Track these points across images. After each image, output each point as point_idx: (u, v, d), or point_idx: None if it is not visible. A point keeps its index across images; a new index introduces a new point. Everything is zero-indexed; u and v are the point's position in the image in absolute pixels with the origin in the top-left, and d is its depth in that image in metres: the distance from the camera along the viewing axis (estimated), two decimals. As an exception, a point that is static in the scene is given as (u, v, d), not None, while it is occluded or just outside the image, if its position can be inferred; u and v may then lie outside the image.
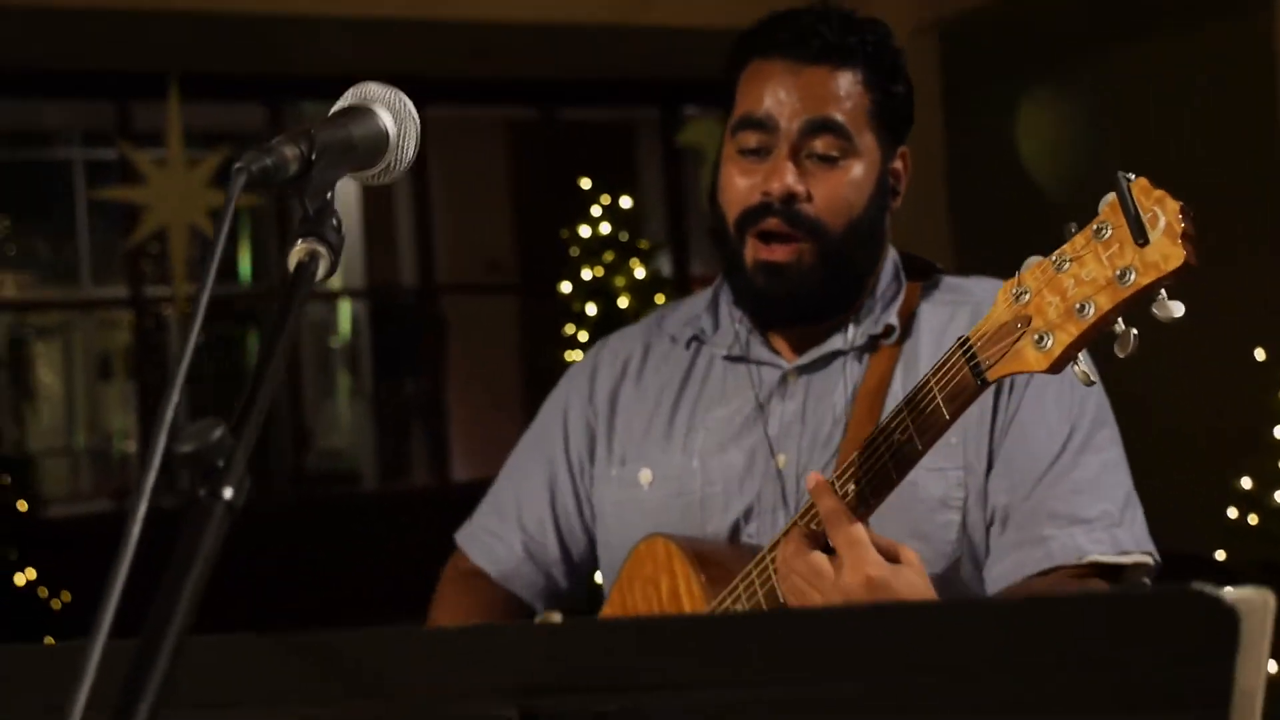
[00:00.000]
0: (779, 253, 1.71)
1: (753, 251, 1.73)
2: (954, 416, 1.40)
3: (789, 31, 1.74)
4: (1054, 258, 1.30)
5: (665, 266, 10.50)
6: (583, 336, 6.85)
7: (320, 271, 1.03)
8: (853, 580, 1.42)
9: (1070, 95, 9.50)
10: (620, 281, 6.90)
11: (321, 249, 1.03)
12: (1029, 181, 9.45)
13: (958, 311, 1.79)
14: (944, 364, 1.41)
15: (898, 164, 1.81)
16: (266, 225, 9.36)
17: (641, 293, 6.91)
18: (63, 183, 11.81)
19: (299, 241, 1.03)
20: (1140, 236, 1.22)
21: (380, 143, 1.12)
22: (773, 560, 1.54)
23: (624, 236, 6.98)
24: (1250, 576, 5.28)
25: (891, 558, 1.45)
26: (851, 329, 1.79)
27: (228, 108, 9.81)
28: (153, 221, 8.11)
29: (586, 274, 7.02)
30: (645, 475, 1.83)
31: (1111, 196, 1.25)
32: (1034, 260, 1.33)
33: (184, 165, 8.18)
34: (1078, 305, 1.27)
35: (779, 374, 1.80)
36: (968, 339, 1.38)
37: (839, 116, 1.71)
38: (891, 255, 1.85)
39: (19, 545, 5.09)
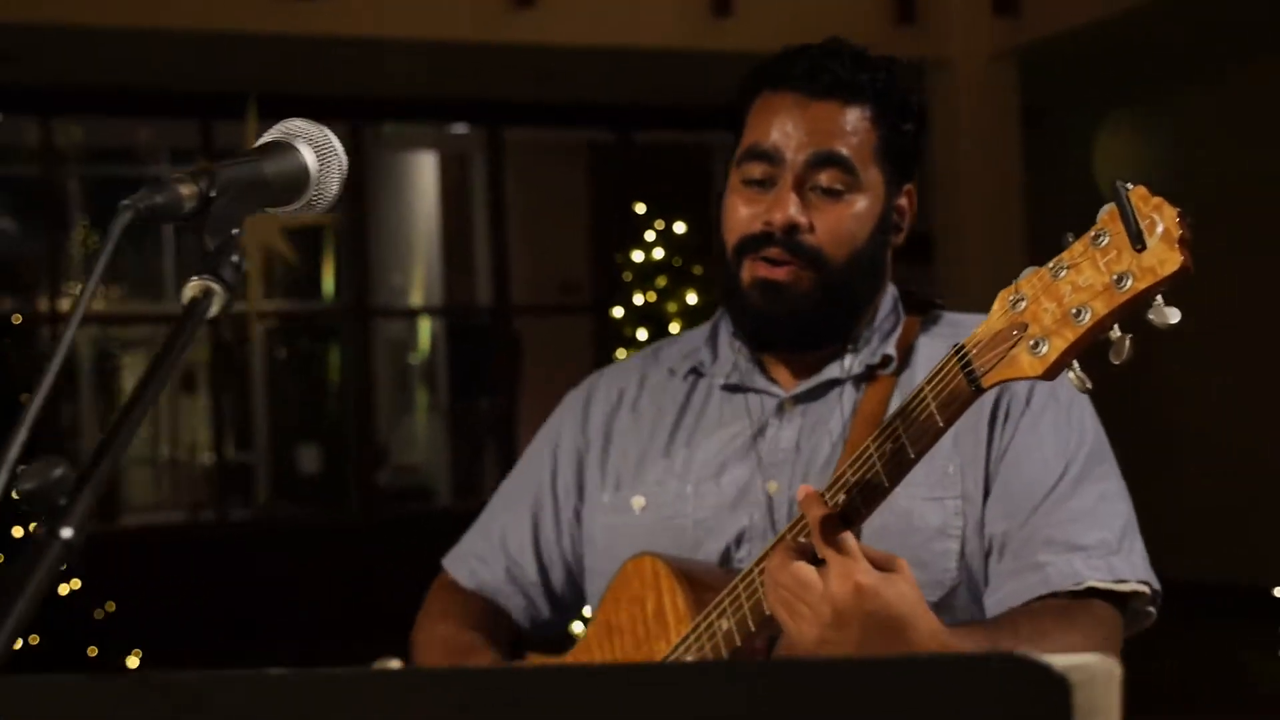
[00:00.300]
0: (778, 272, 1.71)
1: (750, 271, 1.72)
2: (948, 423, 1.38)
3: (800, 66, 1.74)
4: (1051, 265, 1.28)
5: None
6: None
7: (213, 309, 1.02)
8: (841, 589, 1.39)
9: (1148, 122, 9.35)
10: (672, 307, 6.85)
11: (216, 286, 1.02)
12: (1100, 198, 9.30)
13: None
14: (939, 371, 1.39)
15: (903, 201, 1.80)
16: (349, 242, 9.40)
17: (694, 318, 6.87)
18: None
19: (194, 278, 1.02)
20: (1138, 242, 1.20)
21: (300, 178, 1.12)
22: (760, 573, 1.51)
23: (677, 261, 6.92)
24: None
25: (882, 567, 1.42)
26: (849, 358, 1.77)
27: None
28: (230, 240, 8.14)
29: (639, 299, 6.98)
30: (638, 501, 1.83)
31: (1110, 205, 1.23)
32: (1032, 270, 1.31)
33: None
34: (1074, 310, 1.25)
35: (776, 402, 1.79)
36: (963, 346, 1.36)
37: (845, 151, 1.71)
38: (891, 289, 1.84)
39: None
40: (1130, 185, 1.23)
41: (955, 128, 8.65)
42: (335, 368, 11.83)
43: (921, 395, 1.39)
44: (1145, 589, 1.64)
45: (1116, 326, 1.25)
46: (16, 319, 5.14)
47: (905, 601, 1.40)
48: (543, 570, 1.95)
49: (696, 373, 1.88)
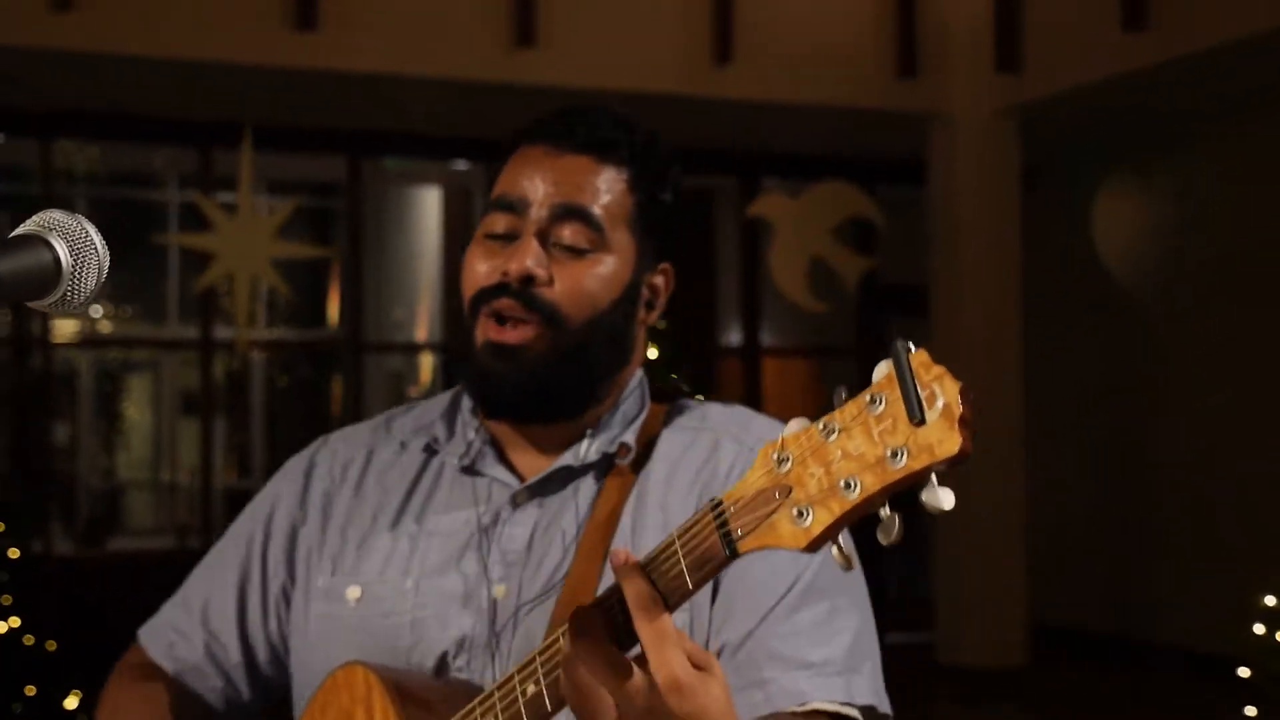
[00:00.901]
0: (510, 334, 1.56)
1: (483, 331, 1.58)
2: (697, 586, 1.21)
3: (556, 121, 1.62)
4: (821, 424, 1.14)
5: (735, 335, 10.31)
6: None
7: None
8: (661, 679, 1.20)
9: (1148, 180, 9.22)
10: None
11: None
12: (1102, 269, 9.18)
13: (697, 439, 1.64)
14: (692, 525, 1.21)
15: (658, 279, 1.67)
16: (353, 273, 9.28)
17: (652, 375, 6.69)
18: (159, 223, 11.87)
19: None
20: (916, 415, 1.08)
21: (47, 275, 1.05)
22: (546, 658, 1.31)
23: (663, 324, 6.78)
24: (1273, 694, 5.00)
25: (698, 664, 1.23)
26: (585, 443, 1.62)
27: (311, 159, 9.79)
28: (220, 268, 8.07)
29: None
30: (353, 592, 1.64)
31: (887, 367, 1.11)
32: (799, 424, 1.17)
33: (252, 215, 8.15)
34: (843, 482, 1.12)
35: (508, 493, 1.63)
36: (720, 502, 1.19)
37: (591, 206, 1.58)
38: (639, 376, 1.70)
39: (12, 591, 4.92)
40: (911, 347, 1.10)
41: (954, 183, 8.54)
42: (337, 398, 11.70)
43: (672, 549, 1.22)
44: (876, 711, 1.49)
45: (887, 504, 1.12)
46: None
47: (719, 708, 1.23)
48: (247, 650, 1.74)
49: (430, 450, 1.70)
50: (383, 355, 11.85)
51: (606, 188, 1.59)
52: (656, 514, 1.56)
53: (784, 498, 1.15)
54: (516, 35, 7.54)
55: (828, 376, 11.42)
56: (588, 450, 1.62)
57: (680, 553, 1.22)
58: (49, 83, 7.75)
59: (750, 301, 10.01)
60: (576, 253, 1.57)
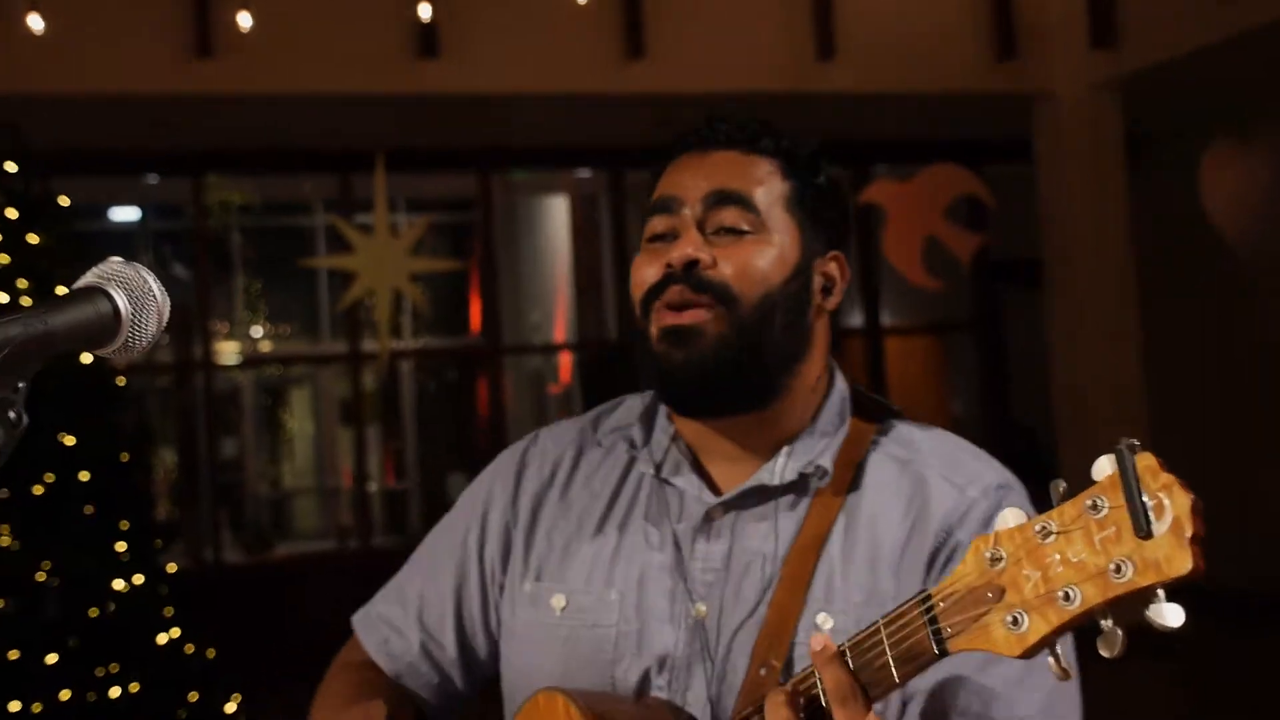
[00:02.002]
0: (683, 316, 1.50)
1: (656, 322, 1.52)
2: (903, 681, 1.16)
3: (700, 129, 1.60)
4: (1038, 525, 1.07)
5: (857, 318, 10.26)
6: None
7: None
8: None
9: (1255, 149, 8.98)
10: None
11: None
12: (1213, 234, 8.96)
13: (904, 473, 1.54)
14: (900, 616, 1.17)
15: (831, 266, 1.59)
16: (489, 281, 9.40)
17: None
18: (309, 247, 12.12)
19: None
20: (1142, 529, 1.00)
21: (108, 323, 1.06)
22: None
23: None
24: None
25: None
26: (781, 460, 1.54)
27: (443, 177, 9.94)
28: (361, 286, 8.23)
29: None
30: (559, 600, 1.60)
31: (1110, 466, 1.03)
32: (1011, 515, 1.10)
33: (388, 234, 8.29)
34: (1062, 592, 1.04)
35: (704, 508, 1.56)
36: (929, 596, 1.14)
37: (744, 189, 1.54)
38: (840, 388, 1.61)
39: (174, 602, 5.04)
40: (1136, 444, 1.03)
41: (1060, 158, 8.41)
42: (482, 399, 11.85)
43: (877, 638, 1.18)
44: None
45: (1109, 616, 1.05)
46: (120, 380, 5.13)
47: None
48: (463, 648, 1.70)
49: (630, 451, 1.64)
50: (522, 357, 11.98)
51: (757, 176, 1.55)
52: (866, 547, 1.48)
53: (997, 599, 1.09)
54: (627, 48, 7.58)
55: (948, 351, 11.31)
56: (784, 469, 1.54)
57: (886, 643, 1.17)
58: (196, 124, 7.96)
59: (869, 284, 9.95)
60: (737, 234, 1.53)
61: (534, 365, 12.54)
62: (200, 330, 8.77)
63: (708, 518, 1.55)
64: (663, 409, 1.63)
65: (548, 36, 7.51)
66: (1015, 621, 1.07)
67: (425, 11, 7.12)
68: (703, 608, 1.51)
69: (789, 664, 1.42)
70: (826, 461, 1.53)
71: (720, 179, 1.54)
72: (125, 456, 5.01)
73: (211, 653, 5.07)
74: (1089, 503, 1.04)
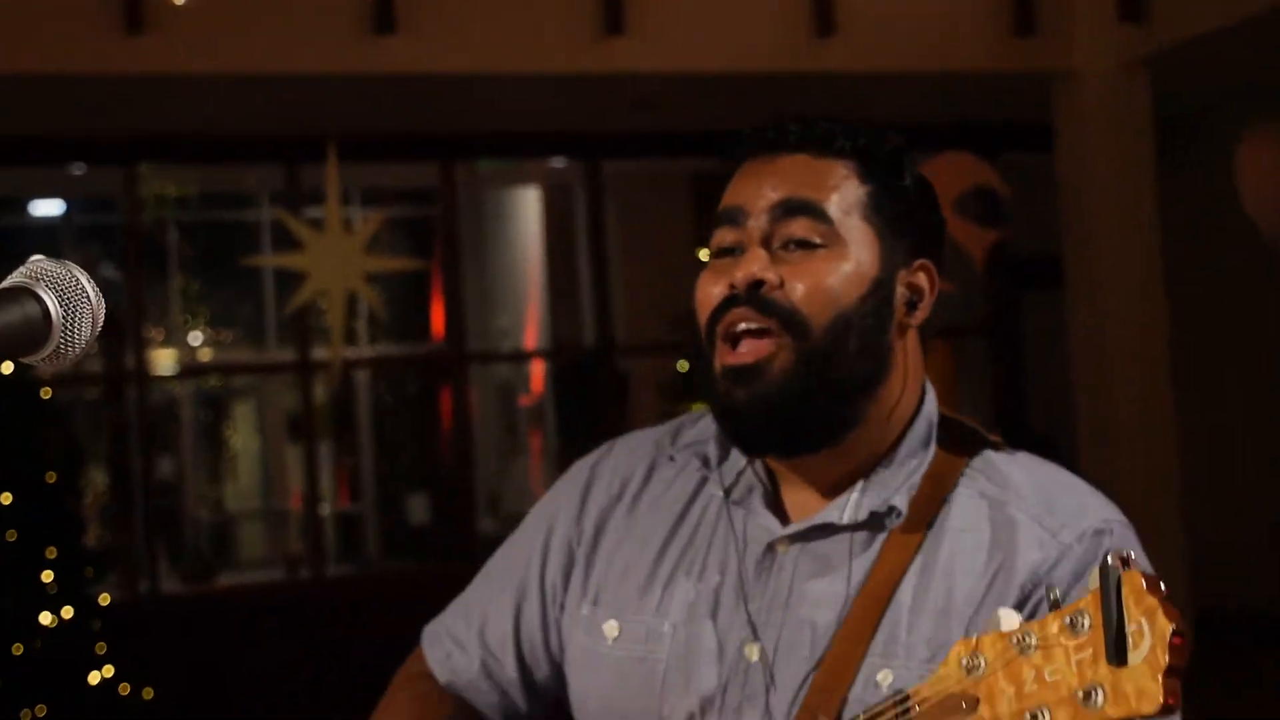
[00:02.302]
0: (746, 353, 1.50)
1: (720, 358, 1.53)
2: None
3: (766, 132, 1.59)
4: (1019, 634, 1.13)
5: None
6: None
7: None
8: None
9: (1295, 130, 9.00)
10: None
11: None
12: (1250, 227, 8.98)
13: (992, 514, 1.53)
14: (877, 714, 1.24)
15: (919, 276, 1.59)
16: (454, 282, 9.38)
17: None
18: (252, 244, 12.09)
19: None
20: (1116, 655, 1.05)
21: (37, 328, 1.04)
22: None
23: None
24: None
25: None
26: (855, 496, 1.54)
27: (402, 167, 9.91)
28: (311, 287, 8.20)
29: None
30: (611, 627, 1.63)
31: (1095, 582, 1.08)
32: (1007, 619, 1.16)
33: (341, 230, 8.26)
34: (1030, 714, 1.10)
35: (769, 539, 1.57)
36: (907, 696, 1.21)
37: (815, 197, 1.53)
38: (928, 412, 1.60)
39: (108, 637, 5.01)
40: (1126, 563, 1.07)
41: (1083, 144, 8.42)
42: (446, 412, 11.83)
43: None
44: None
45: None
46: (46, 393, 5.10)
47: None
48: (523, 668, 1.75)
49: (702, 470, 1.66)
50: (490, 365, 11.97)
51: (831, 181, 1.55)
52: (939, 597, 1.48)
53: (970, 710, 1.14)
54: (605, 23, 7.55)
55: (960, 357, 11.32)
56: (855, 507, 1.54)
57: None
58: (126, 108, 7.92)
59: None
60: (808, 248, 1.52)
61: (503, 375, 12.53)
62: (133, 337, 8.72)
63: (771, 550, 1.57)
64: None
65: (517, 11, 7.49)
66: None
67: (381, -18, 7.11)
68: (755, 650, 1.53)
69: None
70: (901, 501, 1.53)
71: (788, 187, 1.54)
72: (52, 477, 4.99)
73: (149, 693, 5.05)
74: (1069, 620, 1.09)
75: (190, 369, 12.24)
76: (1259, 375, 9.43)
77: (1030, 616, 1.39)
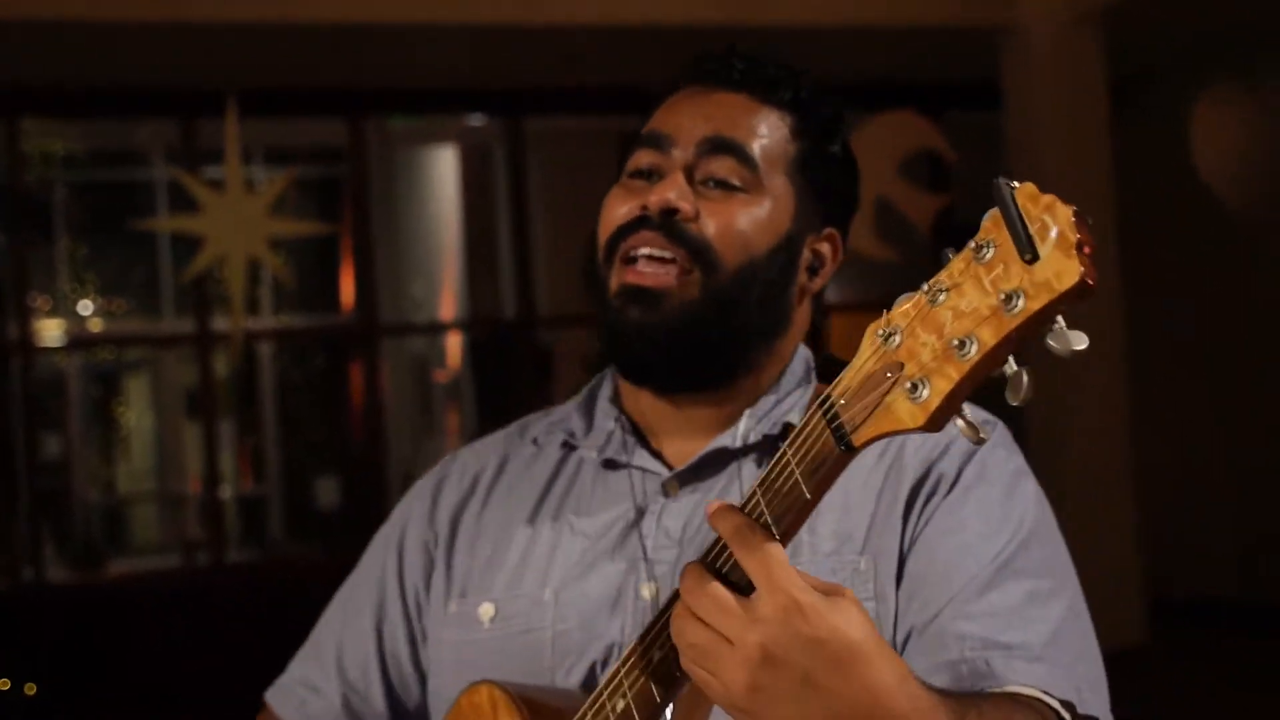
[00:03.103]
0: (650, 276, 1.55)
1: (619, 276, 1.57)
2: (816, 495, 1.20)
3: (712, 60, 1.66)
4: (927, 288, 1.14)
5: (832, 291, 10.26)
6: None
7: None
8: (772, 607, 1.16)
9: (1255, 91, 9.09)
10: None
11: None
12: (1207, 192, 9.07)
13: None
14: (802, 429, 1.21)
15: (824, 245, 1.65)
16: (364, 248, 9.31)
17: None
18: (146, 207, 11.94)
19: None
20: (1027, 251, 1.07)
21: None
22: (663, 627, 1.29)
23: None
24: None
25: (822, 589, 1.20)
26: (744, 423, 1.60)
27: (309, 123, 9.81)
28: (210, 252, 8.11)
29: None
30: (486, 610, 1.63)
31: (994, 211, 1.10)
32: (906, 296, 1.17)
33: (242, 191, 8.17)
34: (956, 342, 1.11)
35: (657, 482, 1.61)
36: (828, 396, 1.20)
37: (746, 141, 1.59)
38: (804, 352, 1.69)
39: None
40: (1016, 184, 1.09)
41: (1032, 103, 8.46)
42: (357, 388, 11.76)
43: (784, 460, 1.22)
44: (1069, 709, 1.42)
45: (1012, 359, 1.12)
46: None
47: (857, 627, 1.18)
48: (391, 697, 1.73)
49: (568, 446, 1.70)
50: (403, 338, 11.89)
51: (765, 128, 1.60)
52: (837, 496, 1.52)
53: (896, 375, 1.14)
54: (527, -31, 7.52)
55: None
56: (747, 431, 1.60)
57: (793, 463, 1.21)
58: (6, 57, 7.79)
59: (813, 253, 9.97)
60: (728, 188, 1.57)
61: (417, 348, 12.46)
62: (16, 306, 8.60)
63: (663, 492, 1.60)
64: (604, 395, 1.70)
65: (433, -45, 7.44)
66: (915, 389, 1.13)
67: (286, -76, 7.02)
68: (651, 587, 1.55)
69: None
70: (795, 418, 1.58)
71: (721, 124, 1.59)
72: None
73: (31, 688, 4.99)
74: (975, 248, 1.11)
75: (79, 340, 12.08)
76: (1217, 346, 9.53)
77: (930, 497, 1.53)
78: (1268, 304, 9.13)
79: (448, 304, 12.26)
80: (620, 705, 1.33)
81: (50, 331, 11.42)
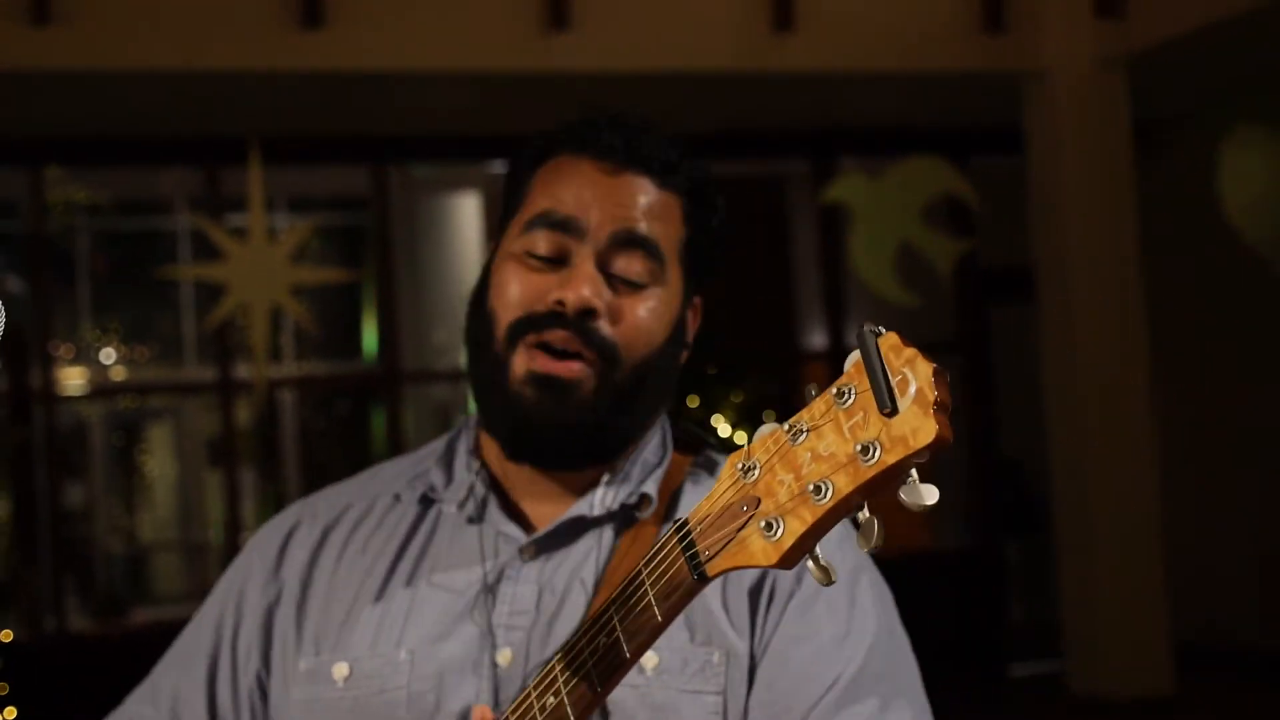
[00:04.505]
0: (562, 367, 1.57)
1: (526, 361, 1.58)
2: (667, 619, 1.25)
3: (608, 132, 1.63)
4: (789, 426, 1.17)
5: (819, 338, 10.24)
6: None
7: None
8: None
9: (1278, 133, 9.07)
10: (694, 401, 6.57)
11: None
12: (1228, 230, 9.03)
13: None
14: (658, 553, 1.25)
15: (690, 313, 1.71)
16: (387, 295, 9.32)
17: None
18: (169, 254, 11.97)
19: None
20: (887, 405, 1.10)
21: None
22: (566, 664, 1.36)
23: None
24: None
25: None
26: (601, 491, 1.63)
27: (332, 171, 9.85)
28: (232, 300, 8.12)
29: None
30: (340, 670, 1.62)
31: (856, 356, 1.13)
32: (768, 429, 1.20)
33: (265, 239, 8.19)
34: (812, 486, 1.14)
35: (514, 546, 1.63)
36: (685, 523, 1.23)
37: (655, 236, 1.61)
38: (661, 421, 1.72)
39: (9, 678, 4.94)
40: (881, 330, 1.13)
41: (1057, 148, 8.43)
42: (378, 436, 11.76)
43: (639, 580, 1.26)
44: None
45: (865, 506, 1.14)
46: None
47: None
48: None
49: (426, 500, 1.71)
50: (425, 385, 11.89)
51: (667, 217, 1.62)
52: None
53: (752, 510, 1.17)
54: (548, 17, 7.53)
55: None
56: (604, 499, 1.62)
57: (647, 583, 1.24)
58: (32, 106, 7.84)
59: (833, 299, 9.94)
60: (634, 287, 1.60)
61: (439, 395, 12.44)
62: (39, 354, 8.62)
63: (520, 557, 1.62)
64: (463, 446, 1.71)
65: (455, 3, 7.46)
66: (770, 528, 1.16)
67: (309, -28, 7.05)
68: (507, 654, 1.57)
69: (605, 710, 1.53)
70: (651, 489, 1.63)
71: (631, 216, 1.60)
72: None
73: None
74: (836, 392, 1.14)
75: (101, 389, 12.10)
76: (1245, 393, 9.47)
77: (771, 599, 1.58)
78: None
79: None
80: None
81: (73, 380, 11.44)
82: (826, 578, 1.16)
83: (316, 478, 13.12)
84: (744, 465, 1.19)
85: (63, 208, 10.43)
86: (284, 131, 8.45)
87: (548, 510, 1.65)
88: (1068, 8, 8.24)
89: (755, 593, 1.58)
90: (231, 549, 9.18)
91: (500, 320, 1.60)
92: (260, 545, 1.76)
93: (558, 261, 1.60)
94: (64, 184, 9.85)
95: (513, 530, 1.64)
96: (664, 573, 1.24)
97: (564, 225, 1.59)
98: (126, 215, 12.42)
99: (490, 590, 1.61)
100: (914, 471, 1.11)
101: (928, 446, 1.08)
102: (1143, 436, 8.32)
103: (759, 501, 1.17)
